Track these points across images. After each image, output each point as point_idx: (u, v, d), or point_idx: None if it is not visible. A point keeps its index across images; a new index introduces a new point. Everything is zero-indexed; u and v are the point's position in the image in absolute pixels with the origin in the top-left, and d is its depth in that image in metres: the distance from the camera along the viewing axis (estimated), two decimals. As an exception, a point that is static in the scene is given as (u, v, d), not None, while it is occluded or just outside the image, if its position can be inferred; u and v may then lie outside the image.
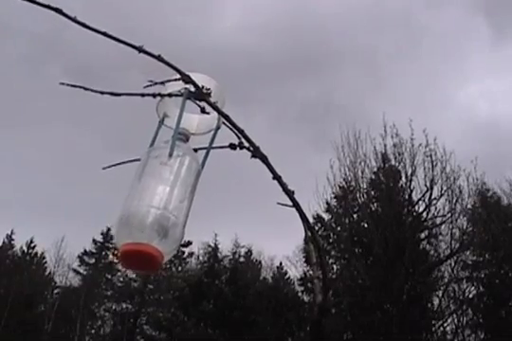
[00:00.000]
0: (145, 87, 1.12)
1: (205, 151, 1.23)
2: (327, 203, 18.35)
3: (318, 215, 19.52)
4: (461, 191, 16.44)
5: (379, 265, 15.01)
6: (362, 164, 17.03)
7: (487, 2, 37.78)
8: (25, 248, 28.39)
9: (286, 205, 1.19)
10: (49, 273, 28.44)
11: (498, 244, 15.95)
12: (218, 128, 1.22)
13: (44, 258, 28.57)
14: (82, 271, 28.11)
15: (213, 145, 1.24)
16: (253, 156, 1.11)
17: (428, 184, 16.19)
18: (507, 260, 16.04)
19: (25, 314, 24.10)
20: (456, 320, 16.60)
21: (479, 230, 16.36)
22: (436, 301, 16.35)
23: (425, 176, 16.27)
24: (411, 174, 16.49)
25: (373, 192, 17.41)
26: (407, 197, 16.58)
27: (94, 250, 28.70)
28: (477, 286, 17.01)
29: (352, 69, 34.57)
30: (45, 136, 32.31)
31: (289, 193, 1.12)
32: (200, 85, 1.13)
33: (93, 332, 27.38)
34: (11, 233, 28.79)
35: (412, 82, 31.20)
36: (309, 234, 1.22)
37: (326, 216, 19.54)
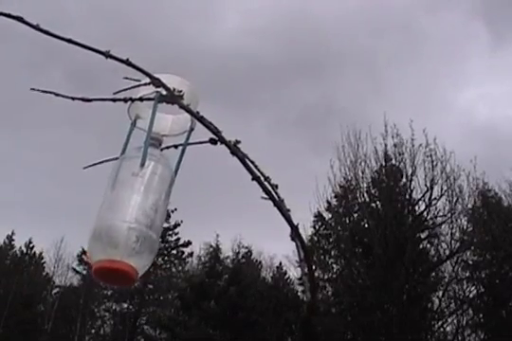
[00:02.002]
0: (115, 93, 1.10)
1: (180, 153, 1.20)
2: (328, 202, 18.38)
3: (319, 213, 19.56)
4: (461, 191, 16.46)
5: (379, 265, 15.00)
6: (363, 164, 17.06)
7: (487, 6, 37.86)
8: (24, 249, 28.42)
9: (273, 196, 1.18)
10: (48, 273, 28.47)
11: (498, 244, 15.93)
12: (192, 129, 1.20)
13: (42, 258, 28.61)
14: (81, 270, 28.12)
15: (194, 141, 1.21)
16: (232, 154, 1.09)
17: (428, 184, 16.20)
18: (507, 260, 16.02)
19: (24, 314, 24.10)
20: (456, 320, 16.59)
21: (479, 230, 16.35)
22: (436, 301, 16.35)
23: (425, 176, 16.29)
24: (412, 174, 16.50)
25: (373, 191, 17.42)
26: (407, 197, 16.58)
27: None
28: (477, 286, 17.00)
29: (352, 72, 34.64)
30: (45, 138, 32.37)
31: (268, 193, 1.10)
32: (172, 88, 1.10)
33: (93, 331, 27.38)
34: (12, 233, 28.84)
35: (412, 86, 31.25)
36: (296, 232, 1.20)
37: (326, 215, 19.58)
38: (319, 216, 19.48)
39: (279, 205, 1.11)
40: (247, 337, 19.40)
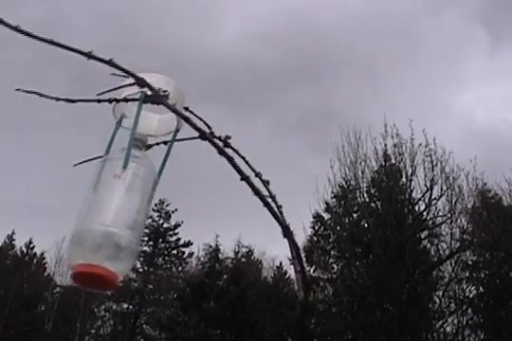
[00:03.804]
0: (99, 94, 1.09)
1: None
2: (327, 203, 18.39)
3: (317, 214, 19.57)
4: (461, 191, 16.46)
5: (379, 265, 15.00)
6: (363, 164, 17.06)
7: (486, 10, 37.95)
8: (24, 249, 28.42)
9: (263, 196, 1.19)
10: (49, 273, 28.47)
11: (498, 244, 15.93)
12: (178, 130, 1.17)
13: (44, 258, 28.61)
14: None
15: (184, 137, 1.19)
16: (219, 154, 1.08)
17: (428, 184, 16.20)
18: (507, 260, 16.02)
19: (25, 315, 24.10)
20: (456, 320, 16.59)
21: (479, 230, 16.36)
22: (436, 301, 16.34)
23: (425, 176, 16.29)
24: (412, 174, 16.51)
25: (373, 191, 17.42)
26: (407, 197, 16.59)
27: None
28: (477, 286, 17.00)
29: (351, 76, 34.68)
30: (45, 139, 32.38)
31: (257, 193, 1.10)
32: (157, 87, 1.08)
33: (93, 331, 27.38)
34: (12, 233, 28.84)
35: (411, 90, 31.28)
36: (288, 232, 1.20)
37: (326, 215, 19.58)
38: (318, 216, 19.48)
39: (268, 204, 1.10)
40: (247, 337, 19.41)
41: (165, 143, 1.19)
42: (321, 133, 32.33)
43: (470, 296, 16.88)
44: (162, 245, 28.13)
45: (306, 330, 1.15)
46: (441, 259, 16.37)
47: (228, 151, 1.20)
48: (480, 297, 16.90)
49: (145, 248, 28.01)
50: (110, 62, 1.05)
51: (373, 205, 17.13)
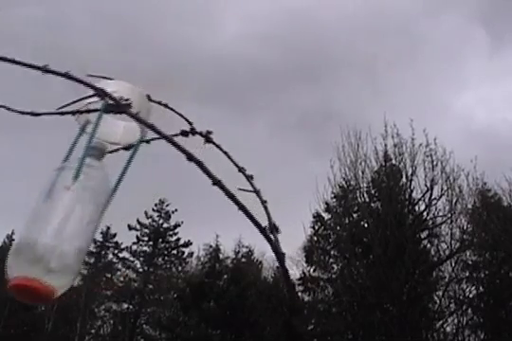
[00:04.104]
0: (60, 108, 1.08)
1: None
2: (327, 203, 18.39)
3: (317, 214, 19.57)
4: (461, 191, 16.46)
5: (379, 265, 15.00)
6: (363, 164, 17.06)
7: (486, 10, 37.98)
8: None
9: (247, 190, 1.18)
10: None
11: (498, 244, 15.94)
12: (141, 139, 1.11)
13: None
14: (81, 270, 28.14)
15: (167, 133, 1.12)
16: (188, 159, 1.05)
17: (428, 184, 16.21)
18: (507, 260, 16.03)
19: (24, 315, 24.11)
20: (456, 320, 16.59)
21: (479, 230, 16.36)
22: (436, 301, 16.35)
23: (425, 176, 16.29)
24: (412, 174, 16.51)
25: (373, 191, 17.43)
26: (407, 197, 16.59)
27: (93, 249, 28.71)
28: (477, 286, 17.00)
29: (351, 77, 34.70)
30: (45, 139, 32.35)
31: (232, 197, 1.07)
32: (120, 96, 1.06)
33: (93, 331, 27.39)
34: (12, 233, 28.85)
35: (411, 90, 31.29)
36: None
37: (326, 215, 19.59)
38: (318, 216, 19.48)
39: (243, 208, 1.06)
40: (247, 337, 19.41)
41: (127, 149, 1.14)
42: (322, 133, 32.33)
43: (470, 296, 16.88)
44: (162, 245, 28.15)
45: (294, 330, 1.14)
46: (441, 259, 16.37)
47: (211, 146, 1.19)
48: (480, 297, 16.91)
49: (145, 248, 28.06)
50: (66, 75, 1.03)
51: (373, 205, 17.13)
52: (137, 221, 28.09)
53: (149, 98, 1.18)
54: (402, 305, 14.70)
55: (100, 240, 28.79)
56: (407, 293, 15.11)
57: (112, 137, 1.15)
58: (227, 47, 35.32)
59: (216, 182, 1.06)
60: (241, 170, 1.21)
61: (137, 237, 28.05)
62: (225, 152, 1.22)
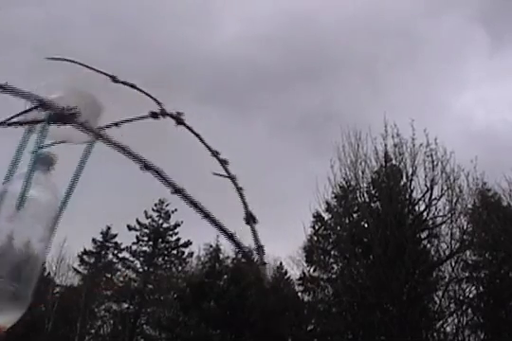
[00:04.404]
0: (5, 121, 1.04)
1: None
2: (327, 202, 18.39)
3: (317, 214, 19.57)
4: (461, 191, 16.46)
5: (379, 265, 15.01)
6: (363, 164, 17.07)
7: (486, 11, 37.98)
8: (24, 248, 28.40)
9: (221, 175, 1.11)
10: (49, 273, 28.46)
11: (498, 244, 15.94)
12: (91, 144, 1.05)
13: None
14: (81, 270, 28.14)
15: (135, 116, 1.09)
16: (145, 168, 0.98)
17: (428, 184, 16.21)
18: (507, 260, 16.03)
19: (24, 315, 24.06)
20: (456, 320, 16.59)
21: (479, 230, 16.36)
22: (436, 301, 16.34)
23: (425, 176, 16.30)
24: (412, 174, 16.51)
25: (373, 191, 17.43)
26: (407, 197, 16.59)
27: (94, 249, 28.71)
28: (477, 286, 17.00)
29: (351, 77, 34.68)
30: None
31: (196, 204, 1.01)
32: (65, 105, 1.00)
33: (93, 331, 27.38)
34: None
35: (411, 90, 31.27)
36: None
37: (326, 215, 19.59)
38: (318, 216, 19.49)
39: (208, 216, 1.02)
40: (247, 337, 19.40)
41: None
42: (322, 133, 32.31)
43: (470, 296, 16.89)
44: (162, 245, 28.13)
45: (270, 334, 1.10)
46: (441, 259, 16.37)
47: (183, 128, 1.11)
48: (480, 297, 16.91)
49: (145, 248, 28.04)
50: (4, 87, 0.99)
51: (373, 205, 17.13)
52: (137, 221, 28.08)
53: (115, 79, 1.13)
54: (402, 305, 14.70)
55: (101, 240, 28.79)
56: (407, 293, 15.11)
57: (65, 137, 1.09)
58: (226, 48, 35.35)
59: (177, 190, 0.99)
60: (214, 153, 1.13)
61: (137, 237, 28.04)
62: (197, 135, 1.13)
